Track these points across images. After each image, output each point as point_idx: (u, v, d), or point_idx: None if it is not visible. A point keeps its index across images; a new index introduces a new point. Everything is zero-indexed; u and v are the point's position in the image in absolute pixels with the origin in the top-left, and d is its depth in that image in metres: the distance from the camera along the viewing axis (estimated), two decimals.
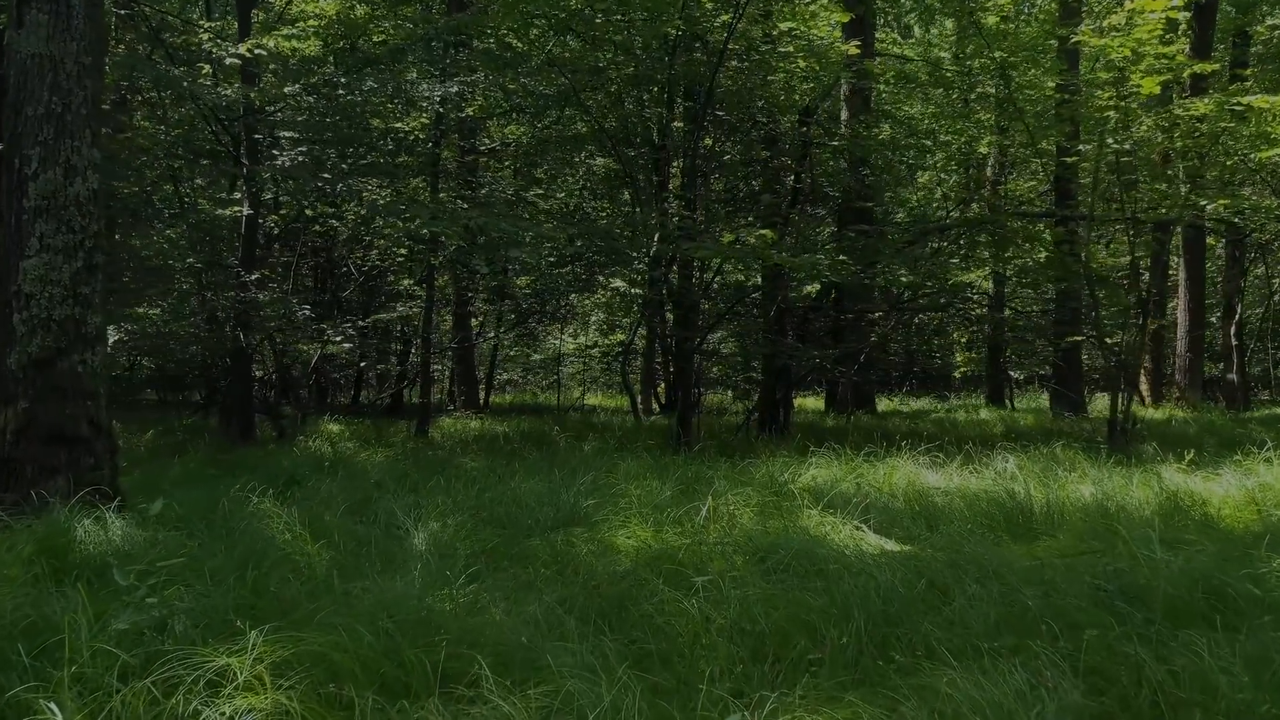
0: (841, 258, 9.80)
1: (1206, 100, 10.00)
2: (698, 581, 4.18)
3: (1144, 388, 27.49)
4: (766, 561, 4.75)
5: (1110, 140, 10.67)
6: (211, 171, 12.71)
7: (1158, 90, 10.23)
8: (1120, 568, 4.41)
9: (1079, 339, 12.95)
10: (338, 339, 13.42)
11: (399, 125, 17.15)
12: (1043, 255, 17.07)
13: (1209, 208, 10.21)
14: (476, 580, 4.50)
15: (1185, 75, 10.08)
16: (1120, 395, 10.80)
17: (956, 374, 31.91)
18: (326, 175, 11.73)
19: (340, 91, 13.02)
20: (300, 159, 11.21)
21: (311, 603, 3.93)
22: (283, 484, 7.55)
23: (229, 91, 11.20)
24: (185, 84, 10.65)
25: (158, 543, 4.77)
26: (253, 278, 13.54)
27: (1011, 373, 27.34)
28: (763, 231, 9.08)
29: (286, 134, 12.72)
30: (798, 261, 9.45)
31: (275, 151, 11.40)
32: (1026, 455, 8.94)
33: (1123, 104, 10.28)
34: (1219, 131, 10.64)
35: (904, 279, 11.76)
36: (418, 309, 17.25)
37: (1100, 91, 10.38)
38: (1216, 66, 15.00)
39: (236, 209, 14.20)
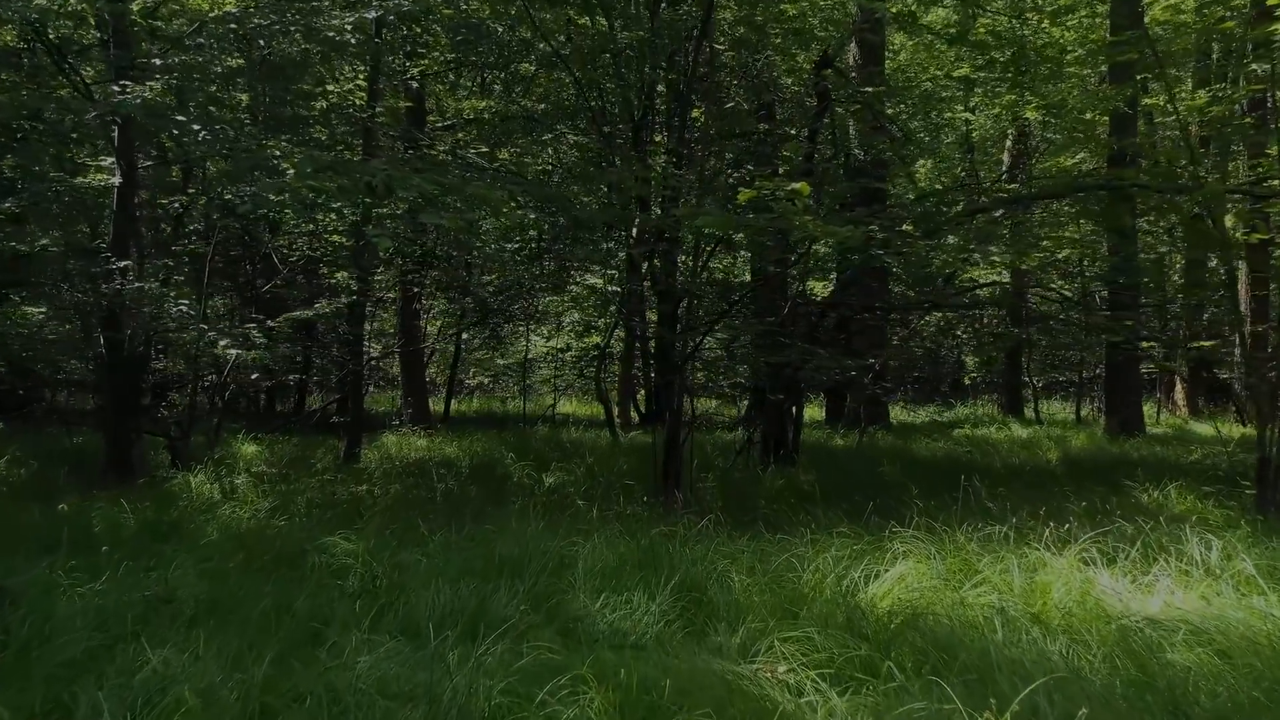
0: (906, 227, 6.72)
1: None
2: None
3: (1179, 397, 24.56)
4: None
5: (1255, 67, 7.69)
6: (50, 109, 9.40)
7: None
8: None
9: (1206, 344, 9.88)
10: (223, 343, 10.16)
11: (332, 88, 14.10)
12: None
13: None
14: None
15: None
16: (1275, 427, 7.74)
17: (966, 379, 28.87)
18: (181, 118, 8.50)
19: (232, 25, 9.84)
20: (146, 95, 8.00)
21: None
22: None
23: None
24: None
25: None
26: (123, 264, 10.39)
27: (1034, 379, 24.43)
28: (795, 185, 6.01)
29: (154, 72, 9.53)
30: (843, 233, 6.38)
31: (115, 87, 8.19)
32: (1208, 521, 5.85)
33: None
34: None
35: (995, 258, 8.69)
36: (358, 305, 14.12)
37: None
38: None
39: (105, 177, 11.02)
